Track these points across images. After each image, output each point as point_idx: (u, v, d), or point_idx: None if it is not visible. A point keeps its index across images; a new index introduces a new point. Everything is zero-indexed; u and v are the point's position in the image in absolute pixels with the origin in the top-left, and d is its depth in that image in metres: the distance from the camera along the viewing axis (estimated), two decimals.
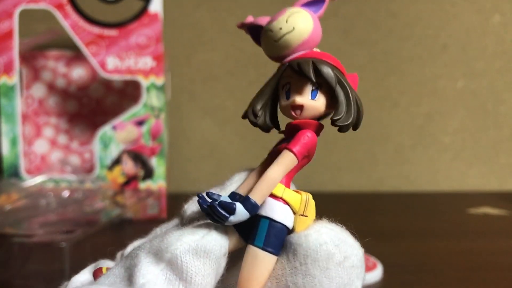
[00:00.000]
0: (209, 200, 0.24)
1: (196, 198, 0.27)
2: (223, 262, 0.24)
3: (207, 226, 0.24)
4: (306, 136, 0.25)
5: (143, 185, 0.59)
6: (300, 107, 0.26)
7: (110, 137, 0.59)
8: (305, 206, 0.25)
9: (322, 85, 0.26)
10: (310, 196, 0.25)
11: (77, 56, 0.62)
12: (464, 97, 0.73)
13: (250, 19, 0.28)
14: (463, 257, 0.47)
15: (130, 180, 0.59)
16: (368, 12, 0.72)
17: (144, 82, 0.58)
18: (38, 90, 0.64)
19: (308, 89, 0.26)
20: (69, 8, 0.57)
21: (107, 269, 0.25)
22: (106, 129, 0.59)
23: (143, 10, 0.57)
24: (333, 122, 0.26)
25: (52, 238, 0.43)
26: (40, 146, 0.64)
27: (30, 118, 0.63)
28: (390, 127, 0.73)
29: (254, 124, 0.27)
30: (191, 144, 0.73)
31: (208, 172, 0.73)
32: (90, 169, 0.62)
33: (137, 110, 0.58)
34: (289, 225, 0.25)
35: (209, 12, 0.71)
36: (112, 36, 0.57)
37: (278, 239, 0.24)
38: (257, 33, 0.27)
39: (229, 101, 0.72)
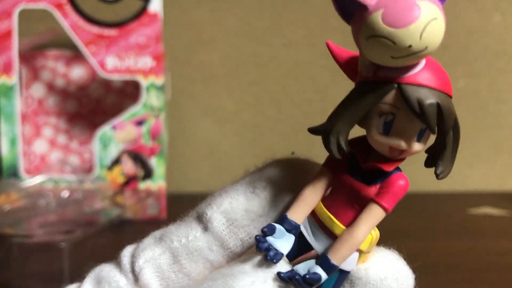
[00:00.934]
0: (266, 235, 0.22)
1: (219, 202, 0.25)
2: None
3: (270, 268, 0.23)
4: (400, 187, 0.22)
5: (143, 185, 0.59)
6: (402, 152, 0.22)
7: (110, 137, 0.58)
8: (371, 245, 0.24)
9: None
10: (378, 234, 0.24)
11: (76, 56, 0.62)
12: (464, 97, 0.73)
13: None
14: (463, 257, 0.47)
15: (130, 180, 0.59)
16: None
17: (144, 82, 0.58)
18: (38, 90, 0.64)
19: (417, 130, 0.21)
20: (68, 8, 0.57)
21: None
22: (105, 129, 0.58)
23: (143, 10, 0.57)
24: (433, 169, 0.23)
25: (51, 238, 0.43)
26: (40, 146, 0.64)
27: (29, 118, 0.63)
28: None
29: (334, 156, 0.22)
30: (191, 144, 0.73)
31: (208, 172, 0.73)
32: (89, 169, 0.62)
33: (136, 110, 0.58)
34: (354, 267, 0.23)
35: (209, 12, 0.71)
36: (111, 36, 0.57)
37: (342, 284, 0.23)
38: (348, 5, 0.21)
39: (229, 101, 0.72)
